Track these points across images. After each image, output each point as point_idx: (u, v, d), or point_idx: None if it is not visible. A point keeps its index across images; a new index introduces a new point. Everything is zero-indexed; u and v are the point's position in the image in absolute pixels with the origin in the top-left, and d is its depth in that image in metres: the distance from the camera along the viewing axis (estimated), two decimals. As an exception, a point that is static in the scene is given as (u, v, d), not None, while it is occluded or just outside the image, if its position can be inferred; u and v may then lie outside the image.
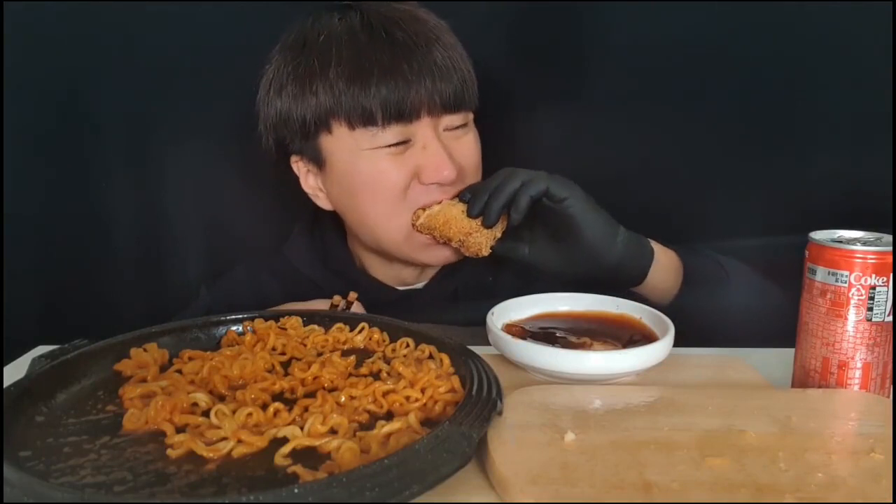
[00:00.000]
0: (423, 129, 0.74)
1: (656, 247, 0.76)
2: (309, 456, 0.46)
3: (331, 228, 0.89)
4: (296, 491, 0.38)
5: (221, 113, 0.97)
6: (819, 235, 0.57)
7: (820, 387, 0.57)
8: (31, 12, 0.96)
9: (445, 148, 0.75)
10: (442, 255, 0.79)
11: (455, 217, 0.73)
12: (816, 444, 0.47)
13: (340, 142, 0.75)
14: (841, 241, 0.56)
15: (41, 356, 0.60)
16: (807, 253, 0.57)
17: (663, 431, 0.49)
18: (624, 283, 0.75)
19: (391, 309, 0.74)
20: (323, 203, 0.83)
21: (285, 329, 0.69)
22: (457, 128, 0.77)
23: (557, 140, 1.01)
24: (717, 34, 0.96)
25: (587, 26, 0.98)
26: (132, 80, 0.99)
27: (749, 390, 0.59)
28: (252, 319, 0.70)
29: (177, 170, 1.02)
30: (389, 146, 0.74)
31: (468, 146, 0.78)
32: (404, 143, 0.74)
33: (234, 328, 0.69)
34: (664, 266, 0.76)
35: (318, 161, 0.79)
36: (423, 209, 0.75)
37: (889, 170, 0.92)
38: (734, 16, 0.94)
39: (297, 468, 0.44)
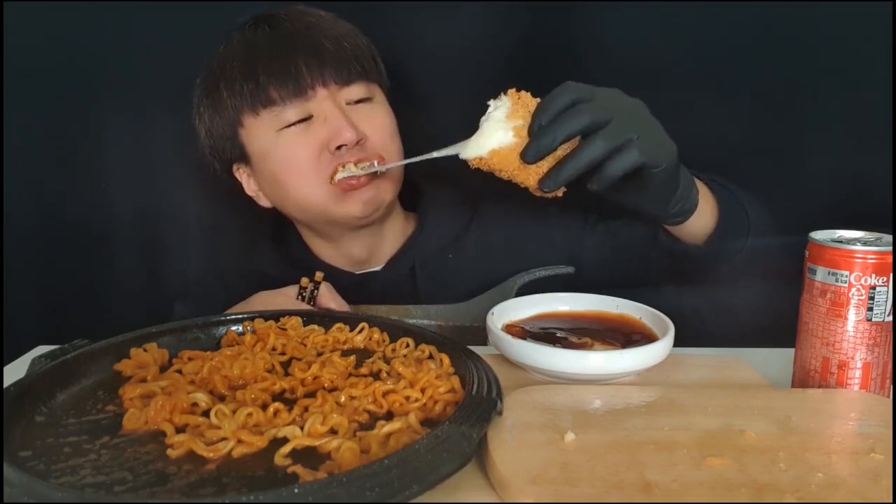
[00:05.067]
0: (321, 103, 0.79)
1: (701, 189, 0.70)
2: (309, 456, 0.46)
3: (292, 229, 0.93)
4: (296, 491, 0.38)
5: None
6: (819, 235, 0.57)
7: (820, 387, 0.57)
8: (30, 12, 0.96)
9: (347, 117, 0.79)
10: (361, 200, 0.81)
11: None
12: (816, 444, 0.47)
13: (253, 130, 0.81)
14: (841, 241, 0.56)
15: (41, 356, 0.60)
16: (807, 253, 0.57)
17: (663, 431, 0.49)
18: (663, 221, 0.71)
19: (351, 294, 0.81)
20: (263, 202, 0.88)
21: (285, 329, 0.69)
22: (360, 101, 0.82)
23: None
24: (716, 34, 0.96)
25: (584, 25, 0.98)
26: (132, 80, 0.99)
27: (749, 390, 0.59)
28: (252, 319, 0.70)
29: (176, 169, 1.02)
30: (293, 124, 0.80)
31: (375, 118, 0.82)
32: (306, 119, 0.80)
33: (234, 328, 0.69)
34: (703, 213, 0.70)
35: (245, 159, 0.85)
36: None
37: (889, 170, 0.93)
38: (734, 16, 0.94)
39: (297, 468, 0.44)
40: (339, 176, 0.79)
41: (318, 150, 0.79)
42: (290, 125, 0.79)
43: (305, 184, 0.81)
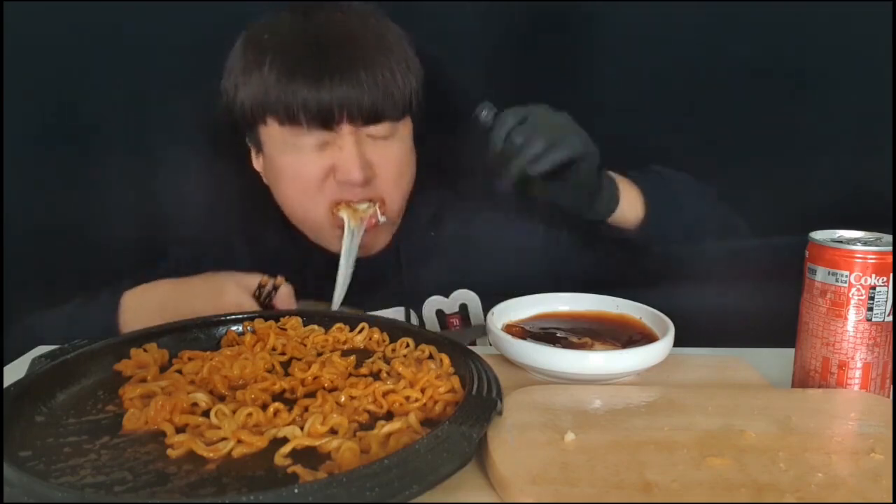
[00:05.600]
0: (343, 136, 0.79)
1: (624, 184, 0.80)
2: (309, 456, 0.46)
3: None
4: (296, 491, 0.38)
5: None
6: (819, 235, 0.57)
7: (820, 387, 0.57)
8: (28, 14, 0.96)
9: (362, 152, 0.79)
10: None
11: None
12: (816, 444, 0.47)
13: (273, 134, 0.81)
14: (841, 241, 0.56)
15: (41, 356, 0.60)
16: (807, 253, 0.57)
17: (663, 431, 0.49)
18: (592, 216, 0.80)
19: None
20: (266, 181, 0.88)
21: (285, 329, 0.69)
22: (381, 136, 0.81)
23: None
24: (716, 33, 0.96)
25: (584, 25, 0.98)
26: (130, 78, 0.99)
27: (749, 390, 0.59)
28: (252, 319, 0.70)
29: (177, 169, 1.02)
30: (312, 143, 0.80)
31: (389, 154, 0.82)
32: (326, 141, 0.80)
33: (234, 328, 0.69)
34: (631, 205, 0.80)
35: (257, 146, 0.86)
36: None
37: (889, 170, 0.93)
38: (734, 15, 0.94)
39: (297, 468, 0.44)
40: (340, 214, 0.81)
41: (325, 174, 0.80)
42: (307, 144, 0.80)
43: (306, 200, 0.82)
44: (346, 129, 0.78)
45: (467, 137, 0.76)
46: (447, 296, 0.89)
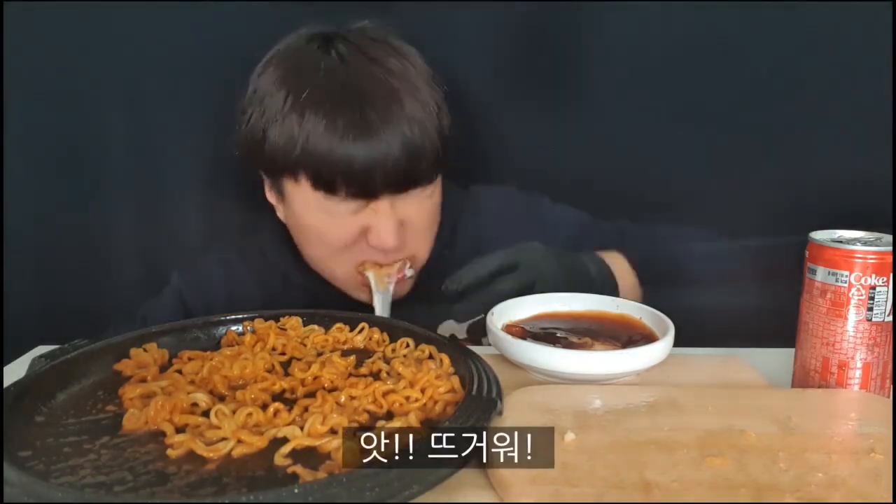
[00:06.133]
0: (378, 203, 0.76)
1: (610, 262, 0.79)
2: (309, 456, 0.46)
3: None
4: (296, 491, 0.38)
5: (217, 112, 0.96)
6: (819, 235, 0.57)
7: (820, 387, 0.57)
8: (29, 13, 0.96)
9: (395, 213, 0.76)
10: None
11: None
12: (816, 444, 0.47)
13: (302, 192, 0.76)
14: (841, 241, 0.56)
15: (41, 356, 0.60)
16: (807, 253, 0.57)
17: (663, 431, 0.49)
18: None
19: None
20: (280, 216, 0.84)
21: (285, 329, 0.69)
22: (415, 194, 0.78)
23: (553, 140, 1.01)
24: (716, 33, 0.96)
25: (583, 23, 0.98)
26: (133, 82, 0.99)
27: (749, 390, 0.59)
28: (252, 319, 0.70)
29: (176, 168, 1.02)
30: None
31: (421, 210, 0.79)
32: (361, 205, 0.76)
33: (234, 328, 0.69)
34: (622, 278, 0.79)
35: (279, 192, 0.80)
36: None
37: (889, 170, 0.93)
38: (733, 14, 0.94)
39: (297, 468, 0.44)
40: (366, 273, 0.79)
41: (357, 235, 0.77)
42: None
43: (332, 257, 0.80)
44: (382, 196, 0.75)
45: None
46: (459, 321, 0.87)
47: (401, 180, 0.74)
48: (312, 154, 0.72)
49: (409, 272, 0.80)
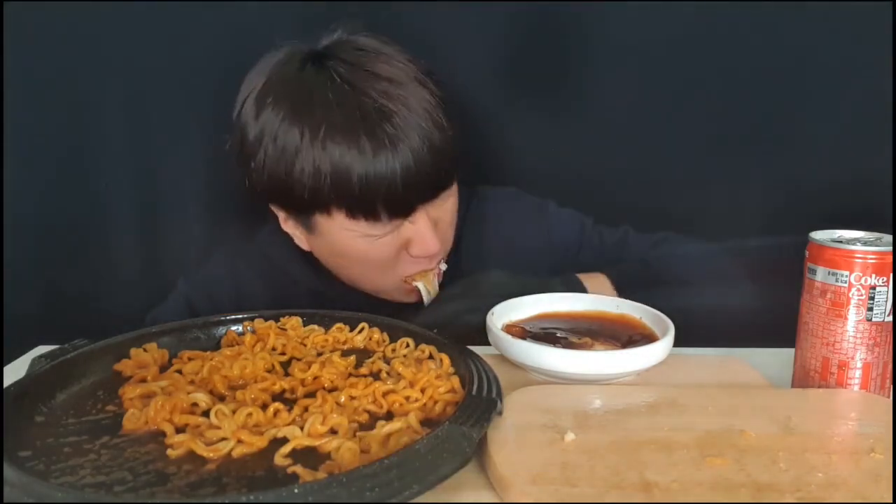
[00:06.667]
0: (414, 216, 0.75)
1: (591, 285, 0.78)
2: (309, 456, 0.46)
3: None
4: (296, 491, 0.38)
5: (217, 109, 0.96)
6: (819, 235, 0.57)
7: (820, 387, 0.57)
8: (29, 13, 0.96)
9: (434, 231, 0.76)
10: (418, 294, 0.82)
11: None
12: (816, 444, 0.47)
13: (338, 223, 0.74)
14: (841, 241, 0.56)
15: (41, 356, 0.60)
16: (807, 253, 0.57)
17: (663, 431, 0.49)
18: None
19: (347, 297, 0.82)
20: (301, 244, 0.82)
21: (285, 329, 0.69)
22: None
23: (557, 139, 1.01)
24: (716, 32, 0.96)
25: (582, 23, 0.98)
26: (132, 77, 0.99)
27: (749, 390, 0.59)
28: (252, 319, 0.70)
29: (177, 167, 1.02)
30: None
31: (447, 208, 0.80)
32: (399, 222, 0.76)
33: (234, 328, 0.69)
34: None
35: (307, 226, 0.78)
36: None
37: (889, 170, 0.93)
38: (733, 13, 0.94)
39: (297, 468, 0.44)
40: (416, 283, 0.80)
41: (399, 250, 0.77)
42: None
43: (377, 276, 0.80)
44: (418, 210, 0.75)
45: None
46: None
47: (432, 186, 0.74)
48: (348, 185, 0.70)
49: (443, 266, 0.82)
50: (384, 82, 0.72)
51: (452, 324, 0.71)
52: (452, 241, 0.84)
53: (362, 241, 0.75)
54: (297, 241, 0.82)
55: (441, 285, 0.82)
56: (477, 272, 0.77)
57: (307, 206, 0.74)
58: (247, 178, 0.76)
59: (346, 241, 0.76)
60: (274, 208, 0.80)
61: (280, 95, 0.72)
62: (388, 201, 0.71)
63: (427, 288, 0.81)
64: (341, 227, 0.74)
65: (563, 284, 0.77)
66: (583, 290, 0.77)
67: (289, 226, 0.81)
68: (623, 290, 0.78)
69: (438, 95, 0.75)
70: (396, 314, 0.73)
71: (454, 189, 0.80)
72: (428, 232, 0.75)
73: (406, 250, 0.77)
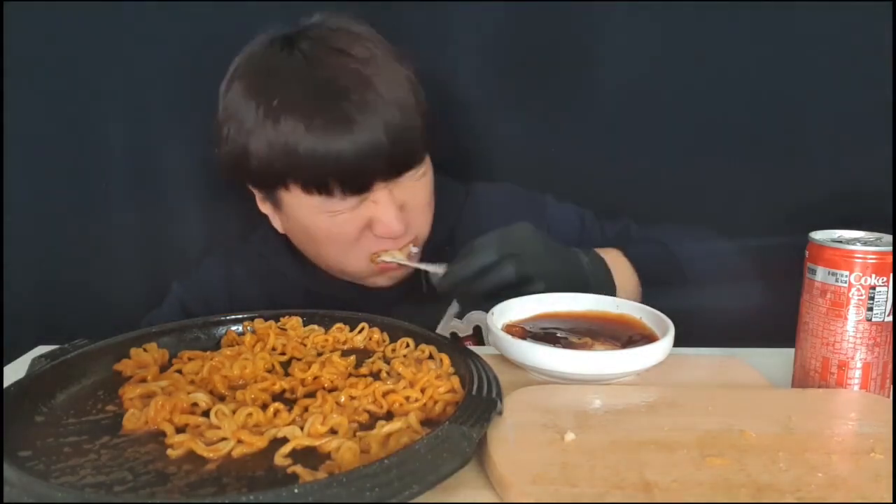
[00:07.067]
0: (376, 193, 0.75)
1: (609, 259, 0.77)
2: (309, 456, 0.46)
3: None
4: (296, 491, 0.38)
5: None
6: (819, 235, 0.57)
7: (820, 387, 0.57)
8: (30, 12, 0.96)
9: (395, 200, 0.76)
10: (393, 276, 0.83)
11: None
12: (816, 444, 0.47)
13: (297, 199, 0.75)
14: (841, 241, 0.56)
15: (41, 356, 0.60)
16: (807, 253, 0.57)
17: (663, 431, 0.49)
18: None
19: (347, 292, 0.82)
20: (277, 226, 0.84)
21: (285, 329, 0.69)
22: (409, 178, 0.78)
23: (553, 138, 1.01)
24: (716, 33, 0.96)
25: (585, 23, 0.98)
26: (132, 77, 0.99)
27: (749, 390, 0.59)
28: (252, 319, 0.70)
29: (177, 167, 1.02)
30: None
31: (418, 191, 0.79)
32: (359, 199, 0.76)
33: (234, 328, 0.69)
34: (622, 275, 0.78)
35: (274, 203, 0.79)
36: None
37: (889, 170, 0.93)
38: (733, 15, 0.94)
39: (297, 468, 0.44)
40: (381, 259, 0.79)
41: (362, 228, 0.77)
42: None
43: (342, 256, 0.80)
44: (378, 187, 0.75)
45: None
46: (461, 318, 0.87)
47: (392, 167, 0.74)
48: (297, 159, 0.71)
49: (414, 250, 0.81)
50: (347, 59, 0.73)
51: (481, 279, 0.69)
52: (428, 229, 0.83)
53: (323, 217, 0.76)
54: (273, 222, 0.84)
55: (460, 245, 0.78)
56: (505, 227, 0.73)
57: (267, 180, 0.76)
58: (218, 156, 0.78)
59: (308, 217, 0.76)
60: (250, 187, 0.81)
61: (244, 72, 0.76)
62: (340, 177, 0.72)
63: (393, 256, 0.79)
64: (302, 202, 0.75)
65: (583, 253, 0.76)
66: (600, 260, 0.77)
67: (265, 207, 0.82)
68: (638, 262, 0.79)
69: (407, 77, 0.76)
70: (428, 282, 0.74)
71: (425, 172, 0.79)
72: (390, 212, 0.75)
73: (370, 230, 0.77)
